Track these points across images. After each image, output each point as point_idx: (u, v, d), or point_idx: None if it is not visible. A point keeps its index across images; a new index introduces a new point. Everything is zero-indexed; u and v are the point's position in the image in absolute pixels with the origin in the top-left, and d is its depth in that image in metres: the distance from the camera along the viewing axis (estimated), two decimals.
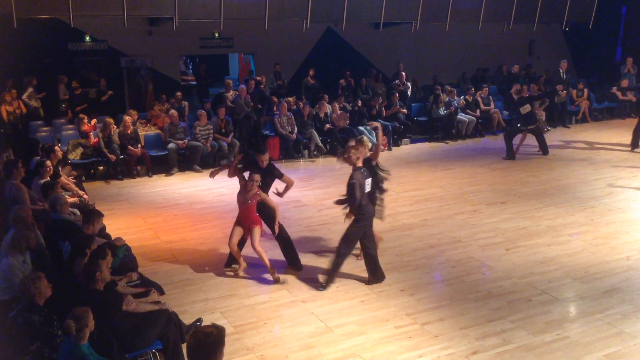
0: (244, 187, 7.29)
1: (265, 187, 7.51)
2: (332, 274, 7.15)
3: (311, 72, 16.51)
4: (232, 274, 7.55)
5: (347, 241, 7.08)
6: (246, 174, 7.45)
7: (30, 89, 14.10)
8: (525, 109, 13.34)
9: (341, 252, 7.09)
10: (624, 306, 6.59)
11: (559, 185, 11.34)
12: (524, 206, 10.11)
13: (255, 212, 7.37)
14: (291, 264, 7.72)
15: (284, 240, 7.70)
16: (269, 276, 7.40)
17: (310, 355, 5.72)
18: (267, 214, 7.60)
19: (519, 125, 13.86)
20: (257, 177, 7.18)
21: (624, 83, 17.98)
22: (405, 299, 6.83)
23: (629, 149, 13.94)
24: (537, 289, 7.04)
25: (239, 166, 7.68)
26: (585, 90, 18.02)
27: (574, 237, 8.71)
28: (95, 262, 5.27)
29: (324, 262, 7.81)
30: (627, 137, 14.67)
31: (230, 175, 7.60)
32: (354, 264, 7.60)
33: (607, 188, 11.06)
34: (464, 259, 7.97)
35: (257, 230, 7.30)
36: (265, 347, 5.88)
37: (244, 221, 7.36)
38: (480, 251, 8.21)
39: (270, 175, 7.59)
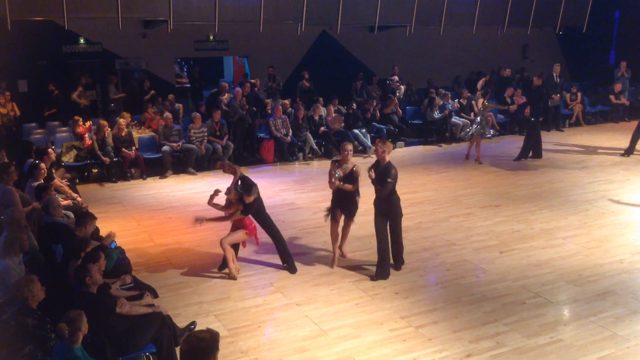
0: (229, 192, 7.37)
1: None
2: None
3: (306, 75, 16.53)
4: (226, 276, 7.53)
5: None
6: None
7: (80, 88, 14.51)
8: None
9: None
10: (618, 309, 6.61)
11: (552, 189, 11.38)
12: (518, 209, 10.14)
13: (245, 222, 7.45)
14: (286, 265, 7.73)
15: (278, 242, 7.72)
16: (262, 279, 7.41)
17: (305, 358, 5.71)
18: (264, 221, 7.61)
19: (533, 119, 13.67)
20: (233, 196, 7.26)
21: (618, 87, 18.07)
22: (399, 301, 6.84)
23: (622, 152, 13.94)
24: (531, 291, 7.06)
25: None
26: (579, 94, 18.10)
27: (568, 240, 8.73)
28: (84, 267, 5.25)
29: (318, 265, 7.83)
30: (620, 141, 14.74)
31: (226, 171, 7.65)
32: (351, 268, 7.61)
33: (600, 191, 11.10)
34: (458, 261, 7.98)
35: (238, 233, 7.38)
36: (259, 350, 5.87)
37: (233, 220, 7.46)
38: (475, 254, 8.23)
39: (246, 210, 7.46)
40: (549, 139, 15.58)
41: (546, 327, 6.24)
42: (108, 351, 4.89)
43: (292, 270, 7.63)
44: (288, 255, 7.72)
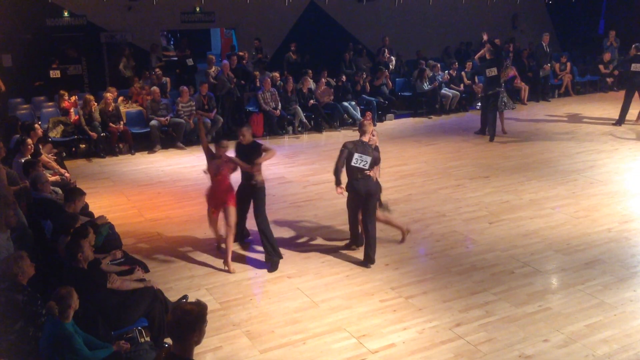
0: (213, 155, 7.10)
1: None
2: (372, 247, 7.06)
3: (293, 47, 16.35)
4: (216, 250, 7.52)
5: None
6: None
7: (124, 59, 14.74)
8: (492, 71, 12.70)
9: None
10: (605, 277, 6.69)
11: (541, 159, 11.42)
12: (507, 180, 10.18)
13: (230, 187, 7.10)
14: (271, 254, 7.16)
15: (263, 234, 7.14)
16: (254, 253, 7.41)
17: (297, 330, 5.75)
18: (243, 197, 7.21)
19: (485, 93, 12.96)
20: (224, 142, 7.12)
21: (607, 56, 18.05)
22: (389, 273, 6.88)
23: (612, 123, 13.98)
24: (519, 261, 7.12)
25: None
26: (568, 64, 18.07)
27: (556, 210, 8.80)
28: (77, 242, 5.23)
29: (309, 238, 7.85)
30: (609, 111, 14.78)
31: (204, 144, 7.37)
32: (342, 241, 7.63)
33: (589, 161, 11.16)
34: (447, 232, 8.03)
35: (232, 210, 6.98)
36: (251, 322, 5.90)
37: (217, 195, 7.07)
38: (464, 225, 8.27)
39: (252, 152, 7.04)
40: (538, 110, 15.60)
41: (535, 296, 6.31)
42: (100, 326, 4.91)
43: (272, 268, 7.01)
44: (273, 250, 7.12)
